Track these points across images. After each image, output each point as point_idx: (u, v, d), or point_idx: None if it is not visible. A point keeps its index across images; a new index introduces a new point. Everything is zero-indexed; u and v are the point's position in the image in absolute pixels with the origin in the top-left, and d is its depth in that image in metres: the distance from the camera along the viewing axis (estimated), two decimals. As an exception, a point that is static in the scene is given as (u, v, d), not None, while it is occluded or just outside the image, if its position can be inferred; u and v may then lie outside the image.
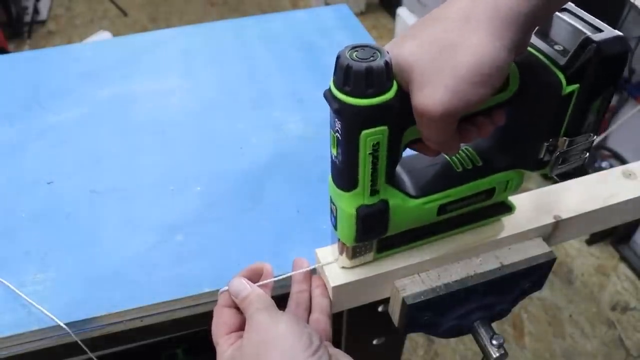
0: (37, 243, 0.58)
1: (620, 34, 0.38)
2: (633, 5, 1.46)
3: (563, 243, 1.53)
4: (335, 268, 0.49)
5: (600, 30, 0.38)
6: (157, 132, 0.74)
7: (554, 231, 0.55)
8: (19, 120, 0.77)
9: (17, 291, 0.53)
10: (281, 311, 0.43)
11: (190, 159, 0.69)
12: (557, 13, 0.40)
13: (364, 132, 0.36)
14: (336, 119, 0.37)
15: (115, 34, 2.53)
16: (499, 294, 0.52)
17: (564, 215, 0.54)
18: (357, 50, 0.35)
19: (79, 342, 0.51)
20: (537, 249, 0.53)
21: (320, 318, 0.48)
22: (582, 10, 0.40)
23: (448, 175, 0.46)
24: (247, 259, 0.55)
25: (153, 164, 0.69)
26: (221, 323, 0.44)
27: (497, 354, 0.50)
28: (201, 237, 0.59)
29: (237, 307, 0.45)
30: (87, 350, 0.52)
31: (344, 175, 0.40)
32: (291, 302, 0.49)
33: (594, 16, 0.40)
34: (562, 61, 0.39)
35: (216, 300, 0.46)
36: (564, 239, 0.58)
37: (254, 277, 0.47)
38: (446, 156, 0.48)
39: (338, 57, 0.35)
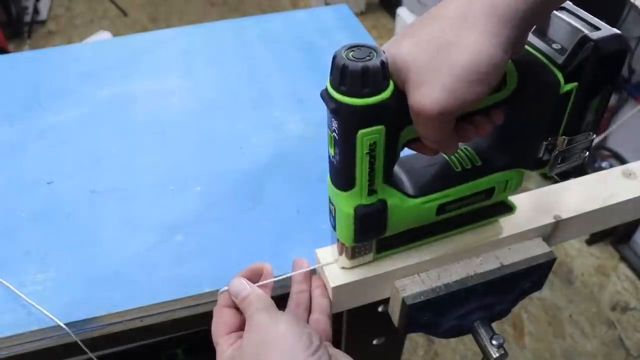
0: (37, 243, 0.58)
1: (618, 31, 0.38)
2: (633, 5, 1.46)
3: (563, 243, 1.53)
4: (335, 268, 0.49)
5: (598, 29, 0.38)
6: (157, 132, 0.74)
7: (554, 231, 0.55)
8: (19, 120, 0.77)
9: (17, 291, 0.53)
10: (281, 311, 0.43)
11: (190, 159, 0.69)
12: (555, 11, 0.40)
13: (361, 131, 0.36)
14: (333, 119, 0.37)
15: (115, 34, 2.53)
16: (499, 294, 0.52)
17: (564, 215, 0.54)
18: (353, 50, 0.35)
19: (79, 342, 0.51)
20: (537, 249, 0.53)
21: (320, 318, 0.48)
22: (579, 9, 0.40)
23: (447, 174, 0.46)
24: (247, 259, 0.55)
25: (153, 164, 0.69)
26: (221, 323, 0.44)
27: (497, 354, 0.50)
28: (201, 237, 0.59)
29: (237, 307, 0.45)
30: (87, 350, 0.52)
31: (342, 174, 0.40)
32: (291, 302, 0.49)
33: (594, 16, 0.40)
34: (560, 60, 0.39)
35: (216, 300, 0.46)
36: (564, 239, 0.58)
37: (254, 277, 0.47)
38: (445, 156, 0.48)
39: (334, 57, 0.35)
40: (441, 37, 0.34)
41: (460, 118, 0.39)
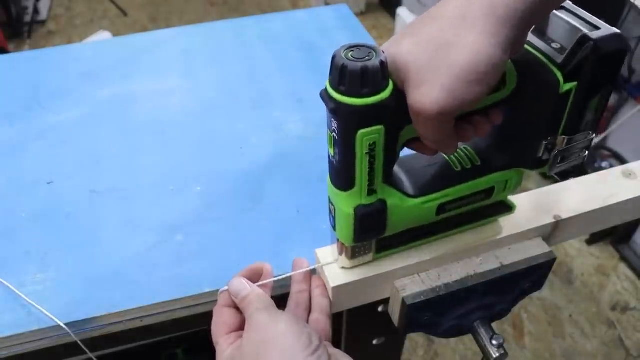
0: (37, 243, 0.58)
1: (618, 31, 0.38)
2: (633, 5, 1.46)
3: (563, 243, 1.52)
4: (335, 268, 0.49)
5: (597, 28, 0.38)
6: (157, 132, 0.74)
7: (554, 231, 0.55)
8: (19, 120, 0.77)
9: (17, 291, 0.53)
10: (281, 311, 0.43)
11: (190, 159, 0.69)
12: (554, 11, 0.40)
13: (360, 131, 0.36)
14: (333, 119, 0.37)
15: (115, 34, 2.53)
16: (499, 294, 0.52)
17: (564, 215, 0.54)
18: (352, 50, 0.35)
19: (79, 342, 0.51)
20: (537, 249, 0.53)
21: (320, 318, 0.48)
22: (579, 8, 0.40)
23: (447, 174, 0.46)
24: (247, 259, 0.55)
25: (153, 164, 0.69)
26: (221, 323, 0.44)
27: (497, 354, 0.50)
28: (201, 237, 0.59)
29: (237, 307, 0.45)
30: (87, 350, 0.52)
31: (341, 174, 0.40)
32: (291, 302, 0.49)
33: (594, 16, 0.40)
34: (560, 59, 0.39)
35: (216, 300, 0.46)
36: (564, 239, 0.58)
37: (254, 277, 0.47)
38: (445, 155, 0.48)
39: (334, 57, 0.35)
40: (440, 37, 0.34)
41: (459, 118, 0.39)
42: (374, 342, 0.63)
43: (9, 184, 0.66)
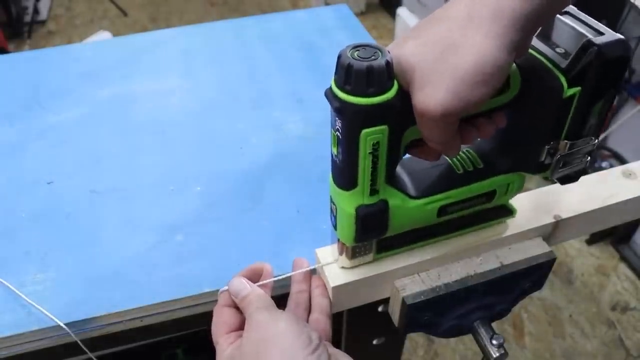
0: (37, 243, 0.58)
1: (622, 37, 0.38)
2: (633, 6, 1.46)
3: (563, 243, 1.53)
4: (335, 268, 0.49)
5: (601, 34, 0.38)
6: (157, 132, 0.74)
7: (554, 231, 0.55)
8: (19, 120, 0.77)
9: (17, 291, 0.53)
10: (281, 310, 0.43)
11: (190, 159, 0.69)
12: (558, 16, 0.40)
13: (364, 131, 0.36)
14: (337, 118, 0.37)
15: (115, 34, 2.53)
16: (499, 293, 0.52)
17: (564, 215, 0.54)
18: (358, 50, 0.35)
19: (79, 342, 0.51)
20: (537, 248, 0.53)
21: (320, 318, 0.48)
22: (583, 14, 0.40)
23: (449, 176, 0.46)
24: (247, 259, 0.55)
25: (153, 164, 0.69)
26: (221, 322, 0.44)
27: (497, 354, 0.50)
28: (201, 237, 0.59)
29: (237, 306, 0.45)
30: (87, 350, 0.52)
31: (344, 174, 0.40)
32: (291, 302, 0.49)
33: (594, 16, 0.40)
34: (564, 64, 0.39)
35: (216, 300, 0.46)
36: (564, 238, 0.58)
37: (254, 277, 0.47)
38: (447, 158, 0.48)
39: (339, 56, 0.35)
40: (446, 39, 0.34)
41: (463, 120, 0.39)
42: (374, 342, 0.63)
43: (9, 184, 0.66)
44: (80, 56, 0.92)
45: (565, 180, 0.47)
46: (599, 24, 0.39)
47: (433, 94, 0.34)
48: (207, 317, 0.46)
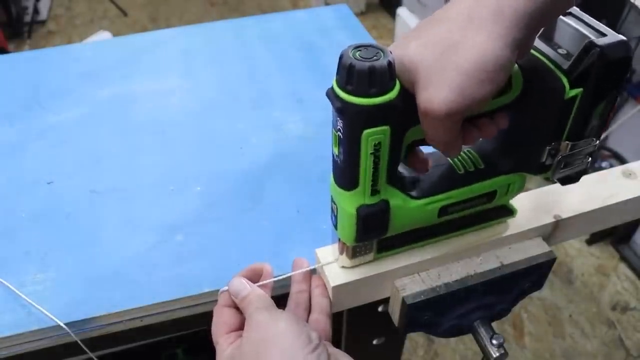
0: (37, 243, 0.58)
1: (624, 38, 0.38)
2: (633, 6, 1.46)
3: (563, 243, 1.53)
4: (335, 268, 0.49)
5: (604, 35, 0.38)
6: (157, 132, 0.74)
7: (554, 231, 0.55)
8: (19, 120, 0.77)
9: (17, 291, 0.53)
10: (280, 310, 0.43)
11: (190, 159, 0.69)
12: (561, 17, 0.40)
13: (366, 131, 0.36)
14: (338, 118, 0.37)
15: (115, 34, 2.53)
16: (499, 293, 0.52)
17: (564, 215, 0.54)
18: (360, 50, 0.35)
19: (79, 342, 0.51)
20: (537, 248, 0.53)
21: (320, 318, 0.48)
22: (586, 15, 0.40)
23: (450, 177, 0.47)
24: (247, 259, 0.55)
25: (153, 164, 0.69)
26: (221, 323, 0.44)
27: (497, 354, 0.50)
28: (201, 237, 0.59)
29: (237, 307, 0.45)
30: (87, 350, 0.52)
31: (345, 174, 0.40)
32: (291, 302, 0.49)
33: (594, 17, 0.40)
34: (566, 65, 0.39)
35: (216, 300, 0.46)
36: (564, 238, 0.58)
37: (254, 277, 0.47)
38: (448, 159, 0.48)
39: (341, 57, 0.35)
40: (448, 38, 0.35)
41: (465, 120, 0.39)
42: (374, 342, 0.63)
43: (9, 184, 0.66)
44: (80, 56, 0.92)
45: (566, 180, 0.47)
46: (601, 24, 0.39)
47: (437, 92, 0.34)
48: (207, 317, 0.46)
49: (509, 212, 0.52)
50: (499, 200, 0.49)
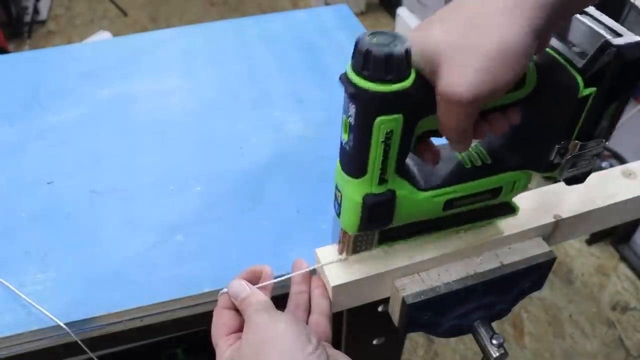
0: (37, 243, 0.58)
1: None
2: (633, 6, 1.46)
3: (563, 243, 1.53)
4: (335, 268, 0.49)
5: (619, 35, 0.38)
6: (157, 132, 0.74)
7: (554, 231, 0.55)
8: (19, 120, 0.77)
9: (17, 291, 0.53)
10: (280, 311, 0.43)
11: (190, 159, 0.69)
12: (576, 15, 0.40)
13: (379, 118, 0.36)
14: (351, 104, 0.36)
15: (115, 34, 2.53)
16: (499, 293, 0.52)
17: (564, 215, 0.54)
18: (376, 36, 0.35)
19: (79, 342, 0.51)
20: (537, 248, 0.53)
21: (320, 319, 0.48)
22: (601, 14, 0.40)
23: (457, 171, 0.46)
24: (247, 259, 0.55)
25: (153, 164, 0.69)
26: (221, 324, 0.44)
27: (497, 354, 0.50)
28: (201, 237, 0.59)
29: (236, 309, 0.45)
30: (87, 350, 0.52)
31: (354, 161, 0.39)
32: (290, 303, 0.49)
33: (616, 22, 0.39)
34: (580, 63, 0.39)
35: (216, 300, 0.46)
36: (564, 238, 0.58)
37: (254, 279, 0.47)
38: (456, 153, 0.47)
39: (357, 42, 0.35)
40: (471, 23, 0.34)
41: (479, 114, 0.38)
42: (374, 342, 0.63)
43: (9, 184, 0.66)
44: (80, 56, 0.92)
45: (572, 181, 0.47)
46: (617, 24, 0.38)
47: (461, 77, 0.34)
48: (207, 317, 0.46)
49: (512, 209, 0.52)
50: (504, 197, 0.49)
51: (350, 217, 0.43)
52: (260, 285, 0.47)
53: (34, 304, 0.51)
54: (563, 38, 0.41)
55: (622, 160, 1.70)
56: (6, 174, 0.68)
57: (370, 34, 0.35)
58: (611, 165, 1.70)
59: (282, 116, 0.76)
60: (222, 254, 0.57)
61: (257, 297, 0.43)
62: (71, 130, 0.75)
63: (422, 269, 0.50)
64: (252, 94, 0.81)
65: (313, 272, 0.51)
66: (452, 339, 1.47)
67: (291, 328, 0.39)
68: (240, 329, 0.43)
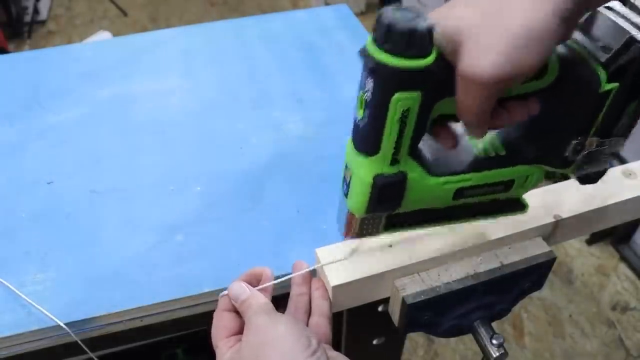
0: (37, 243, 0.58)
1: None
2: (633, 6, 1.46)
3: (563, 243, 1.53)
4: (335, 268, 0.49)
5: None
6: (157, 132, 0.74)
7: (554, 231, 0.55)
8: (19, 120, 0.77)
9: (17, 291, 0.53)
10: (280, 313, 0.43)
11: (190, 159, 0.69)
12: (601, 10, 0.39)
13: (397, 94, 0.35)
14: (369, 78, 0.36)
15: (115, 34, 2.53)
16: (498, 293, 0.52)
17: (564, 215, 0.54)
18: (400, 11, 0.34)
19: (79, 342, 0.51)
20: (537, 248, 0.53)
21: (320, 321, 0.48)
22: (627, 9, 0.39)
23: (470, 160, 0.45)
24: (247, 259, 0.55)
25: (153, 164, 0.69)
26: (221, 326, 0.44)
27: (497, 354, 0.50)
28: (201, 237, 0.59)
29: (236, 311, 0.45)
30: (87, 350, 0.52)
31: (368, 138, 0.39)
32: (290, 305, 0.49)
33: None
34: (603, 58, 0.38)
35: (216, 301, 0.46)
36: (564, 238, 0.58)
37: (254, 281, 0.47)
38: (470, 142, 0.46)
39: (380, 15, 0.34)
40: (497, 5, 0.34)
41: (498, 101, 0.38)
42: (374, 342, 0.63)
43: (9, 184, 0.66)
44: (80, 56, 0.92)
45: (585, 180, 0.46)
46: None
47: (484, 56, 0.33)
48: (207, 317, 0.46)
49: (522, 206, 0.51)
50: (515, 192, 0.48)
51: (359, 198, 0.42)
52: (260, 287, 0.47)
53: (34, 304, 0.51)
54: (587, 32, 0.40)
55: (622, 160, 1.70)
56: (6, 174, 0.68)
57: (394, 9, 0.34)
58: (611, 165, 1.70)
59: (282, 116, 0.76)
60: (222, 254, 0.57)
61: (257, 300, 0.43)
62: (71, 130, 0.75)
63: (422, 268, 0.50)
64: (252, 94, 0.81)
65: (313, 272, 0.51)
66: (452, 339, 1.47)
67: (291, 330, 0.39)
68: (240, 331, 0.43)
